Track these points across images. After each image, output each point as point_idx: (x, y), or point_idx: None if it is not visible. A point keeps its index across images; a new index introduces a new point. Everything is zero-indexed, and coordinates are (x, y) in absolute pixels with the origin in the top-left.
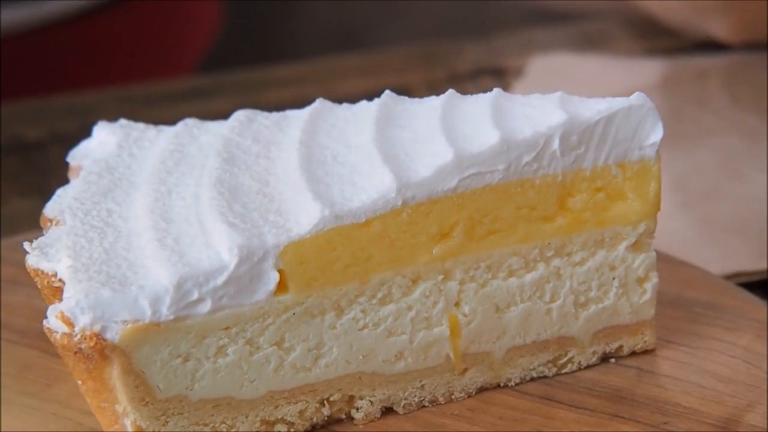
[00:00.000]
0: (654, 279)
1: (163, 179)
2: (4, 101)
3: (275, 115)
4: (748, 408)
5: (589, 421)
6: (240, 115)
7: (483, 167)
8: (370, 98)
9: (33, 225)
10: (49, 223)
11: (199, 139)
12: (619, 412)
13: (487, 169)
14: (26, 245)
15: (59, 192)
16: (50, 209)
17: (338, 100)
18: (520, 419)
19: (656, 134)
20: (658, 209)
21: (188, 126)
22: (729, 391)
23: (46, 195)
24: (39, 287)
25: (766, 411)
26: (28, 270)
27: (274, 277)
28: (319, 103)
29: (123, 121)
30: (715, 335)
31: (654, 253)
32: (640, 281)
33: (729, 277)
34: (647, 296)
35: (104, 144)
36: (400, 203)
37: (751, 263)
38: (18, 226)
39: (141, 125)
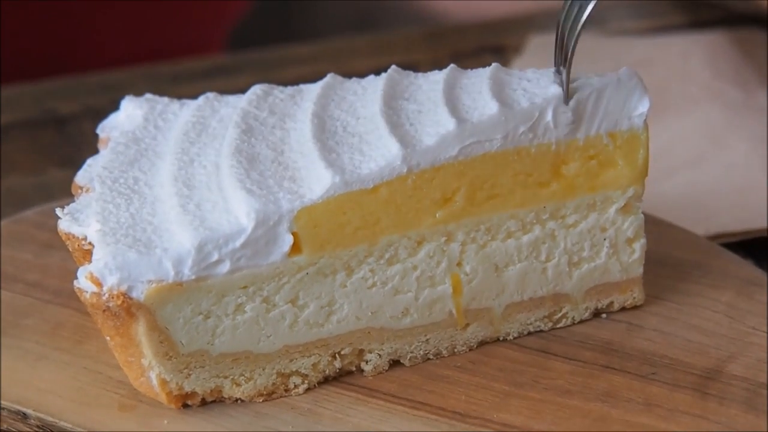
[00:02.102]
0: (642, 239)
1: (186, 149)
2: (41, 78)
3: (290, 89)
4: (730, 359)
5: (582, 372)
6: (257, 89)
7: (483, 136)
8: (378, 74)
9: (68, 194)
10: (79, 191)
11: (219, 112)
12: (611, 363)
13: (487, 138)
14: (58, 211)
15: (89, 161)
16: (81, 177)
17: (350, 76)
18: (518, 370)
19: (643, 105)
20: (646, 175)
21: (209, 99)
22: (712, 344)
23: (81, 166)
24: (70, 250)
25: (747, 362)
26: (60, 234)
27: (288, 240)
28: (331, 78)
29: (149, 96)
30: (700, 292)
31: (642, 216)
32: (629, 241)
33: (712, 237)
34: (636, 255)
35: (131, 117)
36: (405, 170)
37: (732, 225)
38: (54, 194)
39: (165, 99)
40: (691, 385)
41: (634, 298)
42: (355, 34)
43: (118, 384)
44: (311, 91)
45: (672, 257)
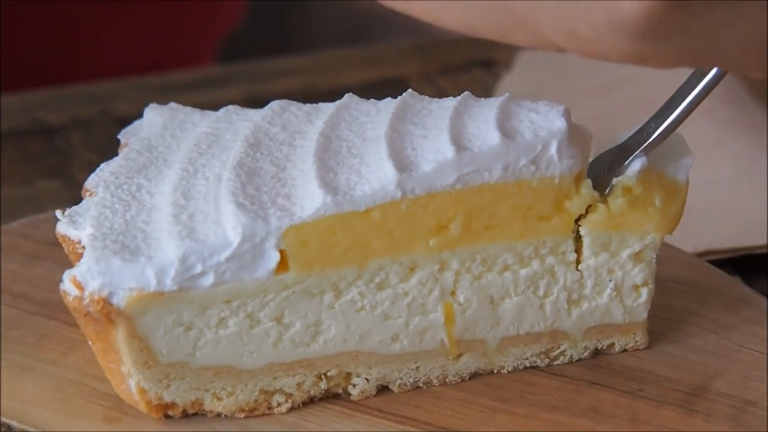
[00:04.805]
0: (650, 285)
1: (193, 160)
2: (28, 88)
3: (308, 107)
4: (716, 375)
5: (568, 388)
6: (274, 105)
7: (482, 166)
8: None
9: (56, 205)
10: (87, 194)
11: (235, 125)
12: (597, 379)
13: (486, 168)
14: (58, 213)
15: (102, 166)
16: (89, 181)
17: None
18: (504, 386)
19: (688, 159)
20: (672, 229)
21: (228, 112)
22: (699, 360)
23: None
24: (66, 253)
25: (733, 378)
26: (57, 236)
27: (275, 257)
28: (347, 98)
29: (173, 104)
30: (687, 308)
31: (654, 264)
32: (636, 287)
33: (700, 254)
34: (641, 300)
35: (151, 124)
36: (399, 195)
37: (720, 242)
38: (42, 205)
39: (188, 109)
40: (678, 402)
41: (637, 341)
42: (345, 47)
43: (104, 396)
44: (327, 109)
45: (659, 274)
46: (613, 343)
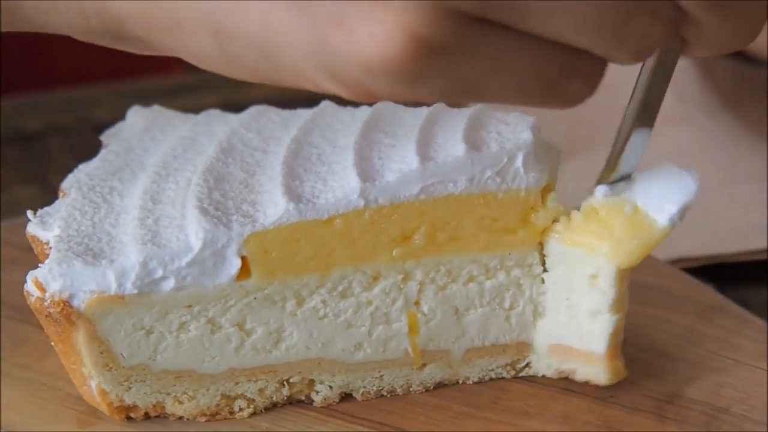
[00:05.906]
0: (606, 315)
1: (167, 163)
2: (6, 94)
3: (285, 113)
4: (688, 383)
5: (541, 394)
6: (253, 110)
7: (446, 177)
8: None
9: (32, 210)
10: (62, 195)
11: (212, 129)
12: (570, 386)
13: (450, 180)
14: (29, 213)
15: (80, 167)
16: (66, 182)
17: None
18: (476, 391)
19: (677, 203)
20: (625, 265)
21: (209, 116)
22: (671, 367)
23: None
24: (36, 253)
25: (705, 386)
26: (27, 236)
27: (236, 263)
28: (324, 104)
29: (156, 107)
30: (660, 315)
31: (611, 295)
32: (592, 314)
33: (673, 262)
34: (599, 328)
35: (133, 126)
36: (362, 204)
37: (694, 249)
38: (19, 211)
39: (171, 112)
40: (650, 409)
41: (596, 375)
42: None
43: (77, 401)
44: (304, 116)
45: (633, 280)
46: (575, 369)
